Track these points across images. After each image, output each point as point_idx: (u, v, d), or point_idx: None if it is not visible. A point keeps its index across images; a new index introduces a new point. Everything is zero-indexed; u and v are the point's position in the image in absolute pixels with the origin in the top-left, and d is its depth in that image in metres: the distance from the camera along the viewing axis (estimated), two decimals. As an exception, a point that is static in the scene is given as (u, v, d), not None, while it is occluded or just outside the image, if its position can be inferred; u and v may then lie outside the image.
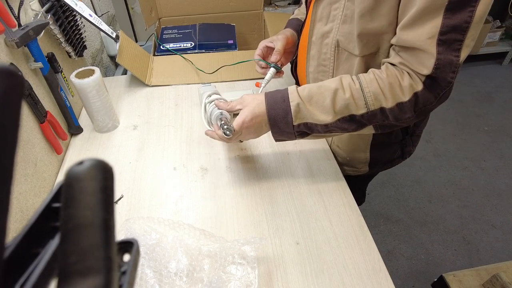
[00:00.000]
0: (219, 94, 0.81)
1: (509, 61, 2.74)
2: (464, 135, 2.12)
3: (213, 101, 0.72)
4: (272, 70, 0.76)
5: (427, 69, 0.50)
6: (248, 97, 0.62)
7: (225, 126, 0.59)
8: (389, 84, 0.54)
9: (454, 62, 0.49)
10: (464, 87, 2.53)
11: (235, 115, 0.64)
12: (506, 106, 2.36)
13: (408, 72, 0.53)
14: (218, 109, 0.66)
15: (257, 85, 0.85)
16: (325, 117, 0.57)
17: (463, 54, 0.49)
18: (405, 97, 0.53)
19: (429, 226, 1.62)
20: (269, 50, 0.80)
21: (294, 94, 0.58)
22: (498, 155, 1.99)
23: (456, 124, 2.20)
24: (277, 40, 0.77)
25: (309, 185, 0.70)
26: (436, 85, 0.52)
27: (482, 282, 0.99)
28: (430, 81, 0.52)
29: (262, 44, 0.79)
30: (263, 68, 0.79)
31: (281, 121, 0.58)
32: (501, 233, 1.59)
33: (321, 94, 0.57)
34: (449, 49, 0.49)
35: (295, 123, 0.58)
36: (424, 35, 0.49)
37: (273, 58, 0.76)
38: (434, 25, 0.48)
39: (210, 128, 0.69)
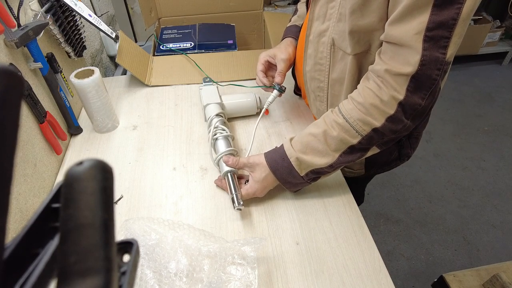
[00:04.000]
0: (221, 103, 0.81)
1: (509, 61, 2.74)
2: (464, 135, 2.12)
3: (217, 135, 0.73)
4: (275, 93, 0.76)
5: (411, 67, 0.50)
6: (256, 164, 0.64)
7: (236, 207, 0.61)
8: (371, 105, 0.54)
9: (440, 59, 0.49)
10: (464, 87, 2.54)
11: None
12: (506, 106, 2.36)
13: (386, 84, 0.53)
14: (226, 165, 0.67)
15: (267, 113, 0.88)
16: (326, 160, 0.59)
17: (450, 52, 0.49)
18: (391, 110, 0.53)
19: (429, 226, 1.63)
20: (270, 64, 0.80)
21: (290, 150, 0.61)
22: (498, 155, 1.99)
23: (456, 124, 2.21)
24: (280, 61, 0.76)
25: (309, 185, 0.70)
26: (421, 86, 0.51)
27: (482, 282, 0.99)
28: (413, 84, 0.51)
29: (263, 58, 0.79)
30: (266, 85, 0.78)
31: (289, 177, 0.62)
32: (501, 233, 1.59)
33: (312, 141, 0.60)
34: (436, 46, 0.48)
35: (302, 174, 0.61)
36: (411, 30, 0.49)
37: (277, 79, 0.76)
38: (421, 21, 0.48)
39: (216, 164, 0.71)
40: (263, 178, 0.63)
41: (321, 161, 0.59)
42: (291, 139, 0.63)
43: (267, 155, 0.64)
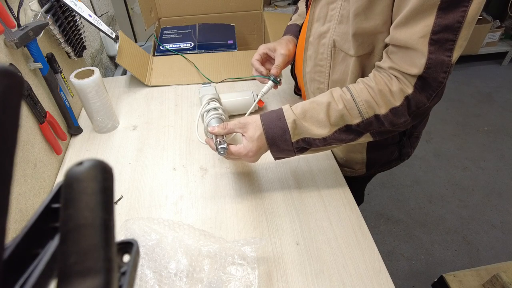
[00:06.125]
0: (219, 98, 0.81)
1: (509, 61, 2.74)
2: (464, 135, 2.12)
3: (210, 109, 0.73)
4: (270, 83, 0.75)
5: (417, 69, 0.50)
6: (248, 123, 0.60)
7: (219, 146, 0.60)
8: (379, 91, 0.54)
9: (446, 62, 0.49)
10: (464, 87, 2.54)
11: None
12: (506, 106, 2.36)
13: (397, 77, 0.53)
14: (212, 133, 0.64)
15: (260, 104, 0.87)
16: (322, 131, 0.58)
17: (456, 55, 0.49)
18: (397, 102, 0.54)
19: (429, 226, 1.62)
20: (268, 57, 0.80)
21: (289, 112, 0.58)
22: (498, 155, 1.99)
23: (456, 124, 2.21)
24: (279, 55, 0.76)
25: (309, 185, 0.70)
26: (428, 86, 0.51)
27: (482, 282, 0.99)
28: (421, 82, 0.51)
29: (262, 50, 0.78)
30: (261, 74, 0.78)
31: (279, 139, 0.59)
32: (501, 233, 1.59)
33: (314, 109, 0.58)
34: (441, 49, 0.49)
35: (293, 140, 0.58)
36: (416, 34, 0.49)
37: (273, 71, 0.75)
38: (427, 24, 0.48)
39: (205, 137, 0.70)
40: (257, 137, 0.59)
41: (317, 131, 0.58)
42: (290, 105, 0.61)
43: (263, 114, 0.61)
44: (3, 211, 0.12)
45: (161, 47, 1.15)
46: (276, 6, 2.31)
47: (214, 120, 0.70)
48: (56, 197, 0.17)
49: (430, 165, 1.93)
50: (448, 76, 0.50)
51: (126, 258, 0.18)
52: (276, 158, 0.63)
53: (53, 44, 0.81)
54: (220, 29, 1.27)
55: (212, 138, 0.64)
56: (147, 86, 1.00)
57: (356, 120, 0.56)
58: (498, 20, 2.59)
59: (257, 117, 0.60)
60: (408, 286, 1.40)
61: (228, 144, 0.62)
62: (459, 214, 1.67)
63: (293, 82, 0.94)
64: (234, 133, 0.66)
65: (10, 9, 0.63)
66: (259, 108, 0.89)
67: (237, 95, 0.87)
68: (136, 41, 1.75)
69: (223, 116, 0.73)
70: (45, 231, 0.17)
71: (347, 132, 0.58)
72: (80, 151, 0.80)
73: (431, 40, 0.48)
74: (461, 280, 1.00)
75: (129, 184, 0.71)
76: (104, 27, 0.91)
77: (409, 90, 0.52)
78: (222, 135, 0.63)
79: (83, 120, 0.87)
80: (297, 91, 0.94)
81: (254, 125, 0.59)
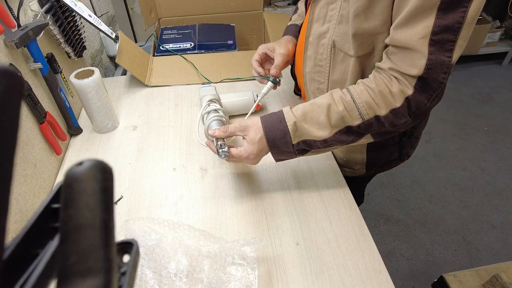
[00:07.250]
0: (219, 98, 0.81)
1: (509, 61, 2.74)
2: (464, 135, 2.12)
3: (210, 111, 0.73)
4: (269, 84, 0.75)
5: (418, 70, 0.50)
6: (249, 126, 0.60)
7: (220, 150, 0.60)
8: (380, 92, 0.54)
9: (446, 63, 0.49)
10: (464, 87, 2.54)
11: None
12: (506, 106, 2.36)
13: (397, 78, 0.53)
14: (212, 136, 0.64)
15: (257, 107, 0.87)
16: (322, 133, 0.58)
17: (456, 55, 0.49)
18: (397, 102, 0.53)
19: (429, 226, 1.62)
20: (267, 57, 0.80)
21: (289, 114, 0.58)
22: (498, 155, 1.99)
23: (456, 124, 2.21)
24: (278, 55, 0.76)
25: (309, 185, 0.70)
26: (428, 87, 0.51)
27: (482, 282, 0.99)
28: (421, 83, 0.51)
29: (262, 50, 0.78)
30: (260, 75, 0.78)
31: (280, 142, 0.59)
32: (501, 233, 1.59)
33: (314, 111, 0.58)
34: (441, 50, 0.49)
35: (294, 142, 0.58)
36: (416, 34, 0.49)
37: (272, 71, 0.76)
38: (427, 25, 0.48)
39: (205, 139, 0.70)
40: (258, 139, 0.59)
41: (318, 133, 0.58)
42: (291, 107, 0.61)
43: (263, 116, 0.61)
44: (3, 211, 0.12)
45: (161, 47, 1.15)
46: (276, 6, 2.31)
47: (215, 123, 0.70)
48: (56, 197, 0.17)
49: (430, 165, 1.93)
50: (448, 77, 0.51)
51: (126, 258, 0.18)
52: (277, 160, 0.63)
53: (53, 44, 0.81)
54: (220, 29, 1.27)
55: (213, 140, 0.64)
56: (147, 86, 1.00)
57: (356, 122, 0.56)
58: (498, 20, 2.59)
59: (257, 119, 0.60)
60: (408, 286, 1.40)
61: (229, 147, 0.62)
62: (459, 214, 1.67)
63: (293, 82, 0.94)
64: (235, 136, 0.66)
65: (10, 9, 0.63)
66: (257, 110, 0.89)
67: (237, 95, 0.87)
68: (136, 41, 1.75)
69: (223, 118, 0.73)
70: (45, 231, 0.17)
71: (348, 133, 0.58)
72: (80, 151, 0.80)
73: (431, 40, 0.48)
74: (461, 280, 1.00)
75: (129, 184, 0.71)
76: (104, 27, 0.91)
77: (409, 91, 0.52)
78: (223, 138, 0.63)
79: (83, 120, 0.87)
80: (297, 91, 0.94)
81: (254, 128, 0.59)
